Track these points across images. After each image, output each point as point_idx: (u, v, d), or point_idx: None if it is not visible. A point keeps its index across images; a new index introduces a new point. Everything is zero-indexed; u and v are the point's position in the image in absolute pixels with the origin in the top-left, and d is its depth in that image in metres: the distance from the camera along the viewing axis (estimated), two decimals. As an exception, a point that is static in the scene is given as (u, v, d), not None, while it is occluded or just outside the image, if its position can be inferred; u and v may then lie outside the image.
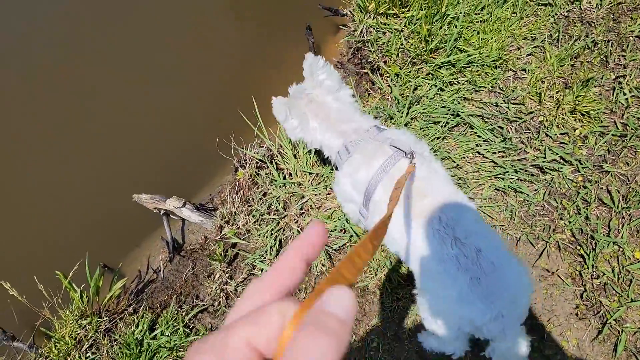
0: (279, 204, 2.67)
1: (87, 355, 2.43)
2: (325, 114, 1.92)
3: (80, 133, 3.48)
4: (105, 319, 2.53)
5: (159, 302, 2.75)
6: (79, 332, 2.47)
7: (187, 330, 2.46)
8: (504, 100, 2.72)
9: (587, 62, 2.75)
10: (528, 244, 2.43)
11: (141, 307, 2.64)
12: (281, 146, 2.83)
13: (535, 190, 2.50)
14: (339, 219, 2.53)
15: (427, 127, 2.67)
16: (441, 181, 1.75)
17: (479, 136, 2.64)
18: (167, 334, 2.43)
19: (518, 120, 2.65)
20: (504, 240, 1.67)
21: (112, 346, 2.44)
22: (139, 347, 2.38)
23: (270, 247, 2.58)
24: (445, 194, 1.70)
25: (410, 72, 2.87)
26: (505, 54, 2.80)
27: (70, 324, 2.46)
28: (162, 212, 3.02)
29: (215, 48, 3.75)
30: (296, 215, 2.61)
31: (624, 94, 2.61)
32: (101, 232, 3.19)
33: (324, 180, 2.67)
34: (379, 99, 2.91)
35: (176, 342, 2.40)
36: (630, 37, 2.76)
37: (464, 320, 1.63)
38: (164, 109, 3.49)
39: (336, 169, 2.06)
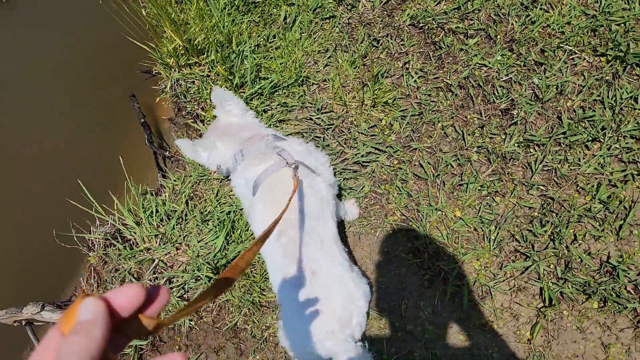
0: (132, 275, 2.64)
1: None
2: (229, 132, 2.07)
3: None
4: None
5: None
6: None
7: None
8: (315, 112, 2.90)
9: (376, 58, 3.02)
10: (369, 235, 2.59)
11: None
12: (122, 218, 2.81)
13: (361, 184, 2.68)
14: (192, 270, 2.55)
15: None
16: (312, 199, 1.84)
17: (301, 151, 2.79)
18: None
19: (331, 126, 2.84)
20: (345, 261, 1.78)
21: None
22: None
23: (134, 321, 2.53)
24: (309, 212, 1.80)
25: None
26: (305, 72, 3.00)
27: None
28: (23, 322, 2.87)
29: (37, 139, 3.65)
30: (150, 281, 2.59)
31: (412, 77, 2.90)
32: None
33: (170, 237, 2.69)
34: (206, 144, 2.99)
35: None
36: (405, 27, 3.07)
37: (299, 341, 1.72)
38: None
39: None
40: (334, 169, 2.65)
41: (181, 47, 2.98)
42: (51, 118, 3.78)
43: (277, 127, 2.89)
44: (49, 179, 3.45)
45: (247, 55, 2.97)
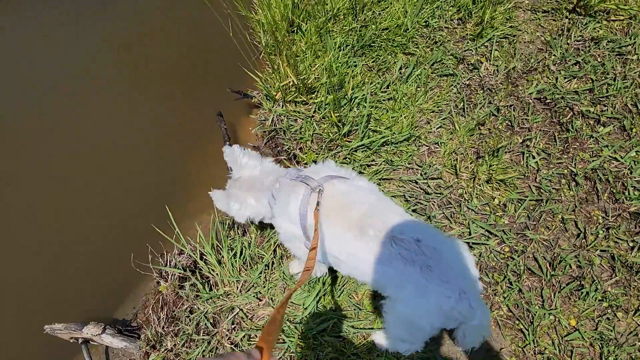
0: (208, 320, 2.47)
1: None
2: (256, 186, 2.08)
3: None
4: None
5: None
6: None
7: None
8: (422, 176, 2.71)
9: (495, 128, 2.82)
10: (468, 325, 2.38)
11: None
12: (203, 253, 2.66)
13: (466, 267, 2.47)
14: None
15: (351, 216, 2.60)
16: (364, 193, 1.88)
17: (403, 217, 2.59)
18: None
19: (439, 195, 2.65)
20: (436, 227, 1.93)
21: None
22: None
23: (203, 371, 2.36)
24: (369, 202, 1.82)
25: (327, 157, 2.81)
26: (416, 131, 2.81)
27: None
28: (80, 341, 2.73)
29: (123, 156, 3.53)
30: (228, 331, 2.42)
31: (533, 157, 2.69)
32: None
33: (253, 286, 2.52)
34: (300, 188, 2.82)
35: None
36: (530, 100, 2.87)
37: (432, 313, 1.67)
38: (72, 227, 3.22)
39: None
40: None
41: (292, 85, 2.83)
42: (135, 131, 3.67)
43: (379, 184, 2.71)
44: (131, 195, 3.33)
45: (360, 103, 2.81)
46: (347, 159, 2.79)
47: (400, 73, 3.04)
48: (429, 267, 1.64)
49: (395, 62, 3.07)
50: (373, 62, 3.10)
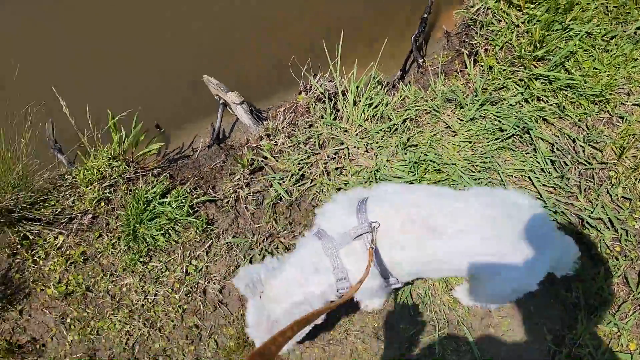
0: (319, 140, 2.70)
1: (105, 191, 2.68)
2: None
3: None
4: (131, 169, 2.75)
5: (182, 177, 2.94)
6: (106, 169, 2.71)
7: (190, 211, 2.63)
8: (583, 139, 2.50)
9: (696, 138, 2.44)
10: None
11: (164, 173, 2.83)
12: (347, 89, 2.81)
13: (565, 239, 2.35)
14: (364, 179, 2.52)
15: (489, 132, 2.54)
16: (407, 196, 1.76)
17: (538, 162, 2.48)
18: (173, 206, 2.61)
19: (587, 165, 2.45)
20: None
21: (126, 194, 2.67)
22: (145, 205, 2.59)
23: (292, 175, 2.64)
24: (420, 204, 1.67)
25: (505, 70, 2.69)
26: (610, 93, 2.54)
27: (102, 160, 2.70)
28: (221, 100, 3.15)
29: None
30: (328, 157, 2.63)
31: None
32: (167, 97, 3.36)
33: (369, 137, 2.65)
34: (462, 84, 2.78)
35: (177, 216, 2.58)
36: None
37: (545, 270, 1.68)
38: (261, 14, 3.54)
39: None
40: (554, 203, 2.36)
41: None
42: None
43: (536, 122, 2.55)
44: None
45: (572, 38, 2.57)
46: (523, 82, 2.64)
47: (635, 33, 2.68)
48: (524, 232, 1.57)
49: (638, 20, 2.69)
50: (614, 6, 2.74)
